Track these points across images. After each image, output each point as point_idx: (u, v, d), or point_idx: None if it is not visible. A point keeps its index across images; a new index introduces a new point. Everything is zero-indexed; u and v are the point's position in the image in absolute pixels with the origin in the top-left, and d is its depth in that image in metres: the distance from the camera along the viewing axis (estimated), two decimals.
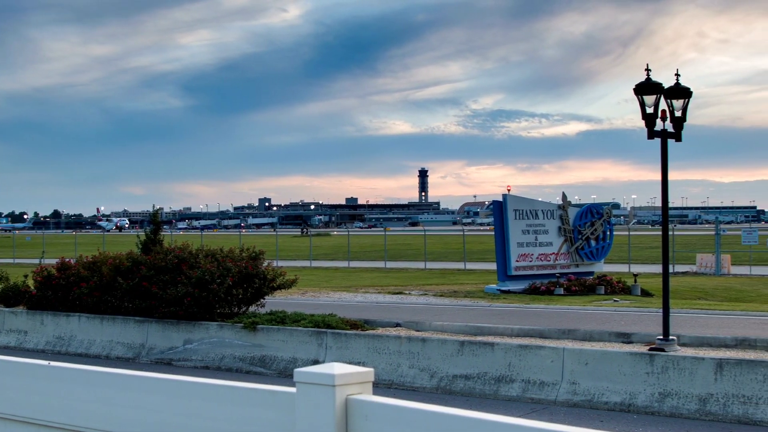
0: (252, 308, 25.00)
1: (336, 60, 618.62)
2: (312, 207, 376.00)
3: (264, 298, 25.46)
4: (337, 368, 4.77)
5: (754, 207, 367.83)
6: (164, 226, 38.31)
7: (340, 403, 4.72)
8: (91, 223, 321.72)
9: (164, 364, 23.15)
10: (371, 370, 4.93)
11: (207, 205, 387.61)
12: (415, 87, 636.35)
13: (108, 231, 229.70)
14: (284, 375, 20.61)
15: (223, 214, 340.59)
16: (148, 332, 24.15)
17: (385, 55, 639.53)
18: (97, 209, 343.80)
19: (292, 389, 5.03)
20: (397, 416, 4.42)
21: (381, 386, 19.05)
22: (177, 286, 23.65)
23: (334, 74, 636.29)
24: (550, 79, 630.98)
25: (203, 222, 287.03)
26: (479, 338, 22.57)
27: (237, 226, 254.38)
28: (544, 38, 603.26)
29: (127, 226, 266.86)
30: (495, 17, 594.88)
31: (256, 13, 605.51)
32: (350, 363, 19.48)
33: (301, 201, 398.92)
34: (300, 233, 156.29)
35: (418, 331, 25.62)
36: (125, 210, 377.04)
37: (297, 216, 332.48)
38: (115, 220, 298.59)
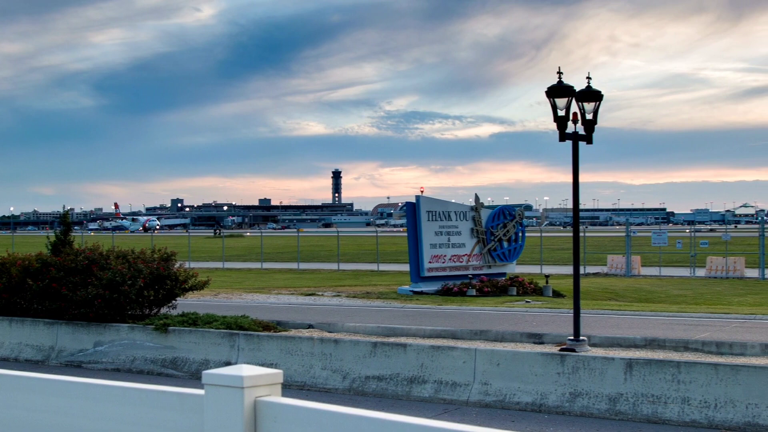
0: (164, 310, 24.73)
1: (250, 60, 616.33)
2: (225, 208, 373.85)
3: (176, 300, 25.21)
4: (246, 370, 4.73)
5: (664, 209, 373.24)
6: (75, 227, 37.78)
7: (249, 405, 4.68)
8: (101, 219, 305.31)
9: (74, 366, 22.79)
10: (280, 371, 4.89)
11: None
12: (329, 88, 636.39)
13: (133, 232, 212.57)
14: (196, 377, 20.41)
15: (135, 215, 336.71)
16: (58, 334, 23.77)
17: (299, 56, 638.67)
18: (115, 204, 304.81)
19: (201, 391, 4.99)
20: (306, 418, 4.39)
21: (293, 388, 18.98)
22: (87, 287, 23.31)
23: (248, 75, 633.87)
24: (463, 81, 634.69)
25: (115, 223, 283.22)
26: (392, 339, 22.57)
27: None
28: (458, 40, 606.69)
29: (158, 227, 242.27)
30: (409, 19, 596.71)
31: (170, 13, 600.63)
32: (263, 365, 19.40)
33: (214, 202, 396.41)
34: (213, 234, 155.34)
35: (330, 332, 25.55)
36: (35, 210, 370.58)
37: (210, 217, 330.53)
38: (143, 219, 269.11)
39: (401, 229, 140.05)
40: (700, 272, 54.09)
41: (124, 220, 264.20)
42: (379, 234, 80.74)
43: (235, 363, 19.73)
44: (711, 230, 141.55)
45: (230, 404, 4.74)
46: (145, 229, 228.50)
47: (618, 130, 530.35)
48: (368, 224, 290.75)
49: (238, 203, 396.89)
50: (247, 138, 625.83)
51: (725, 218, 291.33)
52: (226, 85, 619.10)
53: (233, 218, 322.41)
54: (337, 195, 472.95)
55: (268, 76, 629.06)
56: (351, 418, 4.23)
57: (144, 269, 23.72)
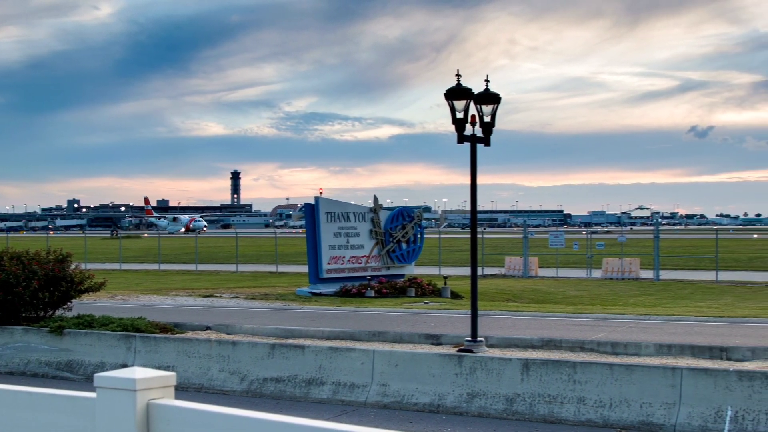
0: (59, 312, 24.34)
1: (149, 60, 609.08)
2: (122, 209, 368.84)
3: (72, 302, 24.82)
4: (139, 373, 4.66)
5: (561, 211, 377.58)
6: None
7: (142, 407, 4.62)
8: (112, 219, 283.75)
9: None
10: (173, 374, 4.83)
11: (13, 207, 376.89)
12: (229, 88, 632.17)
13: (172, 233, 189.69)
14: (92, 380, 20.11)
15: (30, 216, 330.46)
16: None
17: (198, 56, 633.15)
18: (146, 200, 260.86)
19: (94, 395, 4.90)
20: (198, 420, 4.34)
21: (191, 390, 18.81)
22: None
23: (147, 74, 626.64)
24: (363, 82, 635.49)
25: (9, 224, 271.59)
26: (290, 341, 22.51)
27: (45, 228, 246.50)
28: (358, 42, 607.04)
29: (205, 228, 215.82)
30: (310, 20, 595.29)
31: (67, 11, 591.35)
32: (160, 367, 19.19)
33: (111, 203, 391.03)
34: (110, 235, 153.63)
35: (229, 334, 25.39)
36: None
37: (107, 218, 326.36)
38: (185, 218, 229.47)
39: (300, 231, 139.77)
40: (597, 273, 54.80)
41: (161, 219, 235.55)
42: (278, 235, 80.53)
43: (132, 365, 19.49)
44: (607, 232, 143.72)
45: (122, 407, 4.67)
46: (189, 230, 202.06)
47: (517, 133, 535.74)
48: (267, 225, 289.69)
49: (136, 204, 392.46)
50: (146, 138, 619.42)
51: (621, 220, 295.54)
52: (125, 84, 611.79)
53: (131, 219, 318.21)
54: (236, 196, 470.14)
55: (167, 76, 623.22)
56: (243, 420, 4.19)
57: (39, 271, 23.32)
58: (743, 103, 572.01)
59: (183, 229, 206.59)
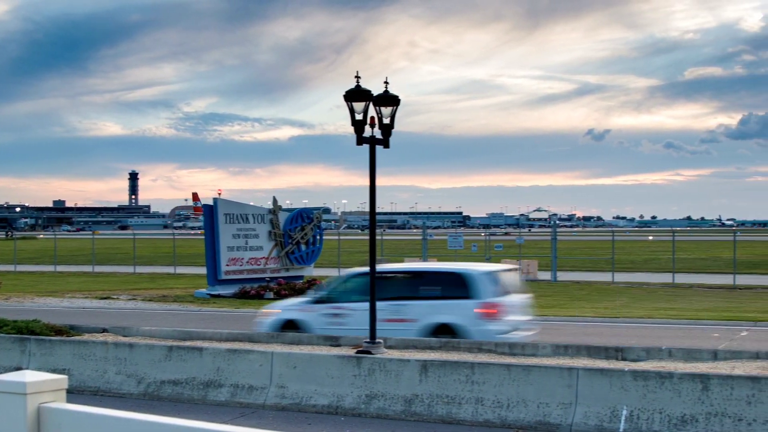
0: None
1: (45, 58, 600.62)
2: (17, 209, 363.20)
3: None
4: (29, 376, 4.57)
5: (461, 213, 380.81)
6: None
7: (32, 411, 4.52)
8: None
9: None
10: (65, 377, 4.74)
11: None
12: (127, 88, 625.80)
13: None
14: None
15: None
16: None
17: (96, 55, 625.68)
18: (194, 195, 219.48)
19: None
20: (91, 423, 4.26)
21: (87, 393, 18.55)
22: None
23: (43, 73, 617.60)
24: (264, 83, 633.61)
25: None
26: (188, 343, 22.29)
27: None
28: (258, 43, 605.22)
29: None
30: (210, 20, 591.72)
31: None
32: (55, 370, 18.88)
33: (5, 203, 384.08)
34: (4, 236, 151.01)
35: (125, 336, 25.07)
36: None
37: (1, 218, 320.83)
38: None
39: (199, 232, 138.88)
40: None
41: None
42: (176, 236, 79.92)
43: (27, 368, 19.17)
44: (506, 234, 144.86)
45: (12, 411, 4.56)
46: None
47: (416, 135, 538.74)
48: (166, 226, 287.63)
49: (32, 204, 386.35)
50: (42, 138, 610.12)
51: (519, 222, 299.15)
52: (20, 83, 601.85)
53: (26, 220, 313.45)
54: (134, 197, 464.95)
55: (65, 75, 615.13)
56: (136, 423, 4.12)
57: None
58: (640, 107, 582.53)
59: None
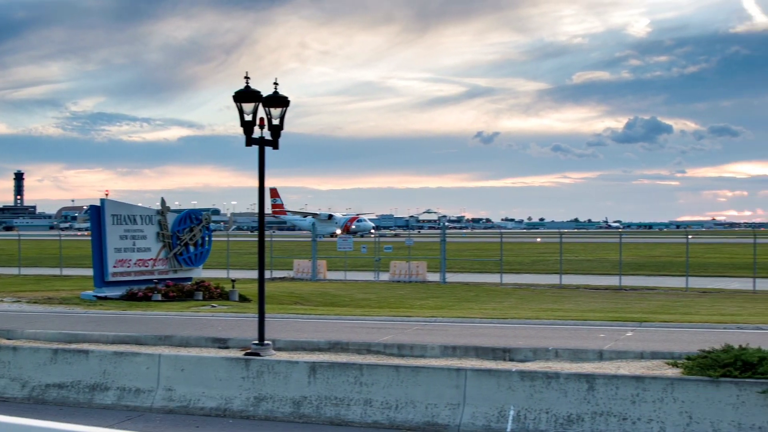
0: None
1: None
2: None
3: None
4: None
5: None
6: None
7: None
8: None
9: None
10: None
11: None
12: (13, 86, 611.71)
13: (322, 237, 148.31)
14: None
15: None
16: None
17: None
18: (273, 191, 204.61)
19: None
20: None
21: None
22: None
23: None
24: (153, 83, 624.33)
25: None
26: (74, 346, 21.96)
27: None
28: (147, 42, 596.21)
29: (373, 232, 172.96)
30: (98, 18, 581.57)
31: None
32: None
33: None
34: None
35: (9, 339, 24.63)
36: None
37: None
38: (341, 216, 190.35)
39: (86, 233, 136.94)
40: (384, 276, 55.43)
41: (306, 218, 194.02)
42: (62, 238, 78.69)
43: None
44: (395, 235, 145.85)
45: None
46: (348, 232, 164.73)
47: (307, 136, 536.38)
48: (52, 227, 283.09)
49: None
50: None
51: (409, 224, 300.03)
52: None
53: None
54: (19, 197, 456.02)
55: None
56: (18, 429, 4.04)
57: None
58: (528, 110, 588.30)
59: (339, 231, 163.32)
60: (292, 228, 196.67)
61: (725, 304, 37.58)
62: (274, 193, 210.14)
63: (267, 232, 67.12)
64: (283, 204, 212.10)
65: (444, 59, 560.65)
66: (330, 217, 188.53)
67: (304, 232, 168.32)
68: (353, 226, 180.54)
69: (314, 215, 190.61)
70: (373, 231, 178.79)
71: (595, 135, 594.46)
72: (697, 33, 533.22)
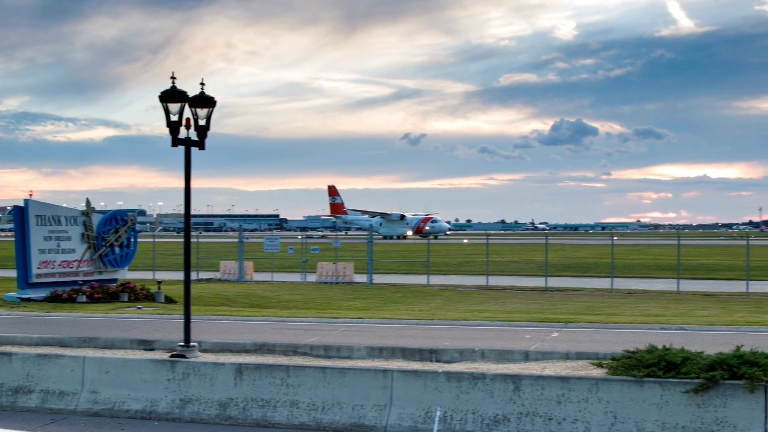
0: None
1: None
2: None
3: None
4: None
5: (277, 215, 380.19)
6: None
7: None
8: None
9: None
10: None
11: None
12: None
13: (388, 237, 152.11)
14: None
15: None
16: None
17: None
18: (330, 189, 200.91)
19: None
20: None
21: None
22: None
23: None
24: (78, 82, 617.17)
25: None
26: None
27: None
28: (73, 41, 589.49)
29: (448, 233, 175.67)
30: (22, 16, 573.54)
31: None
32: None
33: None
34: None
35: None
36: None
37: None
38: (412, 217, 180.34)
39: (9, 234, 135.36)
40: (311, 278, 55.33)
41: (374, 217, 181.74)
42: None
43: None
44: (322, 236, 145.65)
45: None
46: (420, 233, 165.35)
47: (233, 137, 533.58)
48: None
49: None
50: None
51: (336, 225, 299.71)
52: None
53: None
54: None
55: None
56: None
57: None
58: (455, 112, 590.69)
59: (410, 233, 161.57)
60: (344, 229, 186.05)
61: (650, 304, 38.02)
62: (332, 191, 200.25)
63: (193, 233, 66.76)
64: (342, 203, 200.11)
65: (372, 60, 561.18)
66: (402, 217, 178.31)
67: (231, 233, 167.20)
68: (427, 227, 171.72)
69: (383, 215, 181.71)
70: (448, 233, 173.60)
71: (521, 137, 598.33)
72: (622, 36, 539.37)
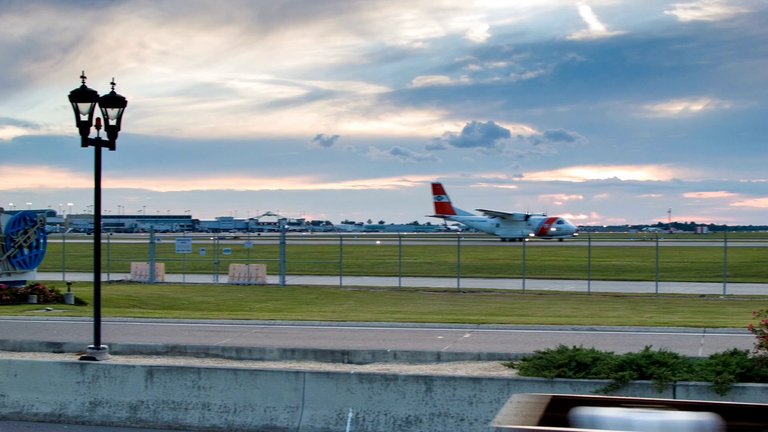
0: None
1: None
2: None
3: None
4: None
5: (189, 216, 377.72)
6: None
7: None
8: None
9: None
10: None
11: None
12: None
13: (506, 239, 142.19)
14: None
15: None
16: None
17: None
18: (435, 186, 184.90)
19: None
20: None
21: None
22: None
23: None
24: None
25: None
26: None
27: None
28: None
29: (576, 234, 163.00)
30: None
31: None
32: None
33: None
34: None
35: None
36: None
37: None
38: (538, 217, 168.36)
39: None
40: (224, 279, 55.04)
41: (486, 217, 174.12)
42: None
43: None
44: (235, 238, 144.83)
45: None
46: (545, 235, 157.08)
47: (145, 137, 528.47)
48: None
49: None
50: None
51: (249, 226, 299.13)
52: None
53: None
54: None
55: None
56: None
57: None
58: (368, 114, 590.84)
59: (533, 234, 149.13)
60: (446, 229, 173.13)
61: (561, 305, 38.42)
62: (437, 189, 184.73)
63: (104, 234, 65.98)
64: (450, 202, 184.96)
65: (285, 61, 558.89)
66: (526, 217, 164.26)
67: (142, 234, 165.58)
68: (552, 229, 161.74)
69: (504, 215, 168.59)
70: (576, 234, 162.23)
71: (434, 139, 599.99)
72: (535, 40, 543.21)
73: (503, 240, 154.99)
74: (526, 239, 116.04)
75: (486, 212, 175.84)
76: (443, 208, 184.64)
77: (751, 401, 13.94)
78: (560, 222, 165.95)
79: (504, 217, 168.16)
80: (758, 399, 13.99)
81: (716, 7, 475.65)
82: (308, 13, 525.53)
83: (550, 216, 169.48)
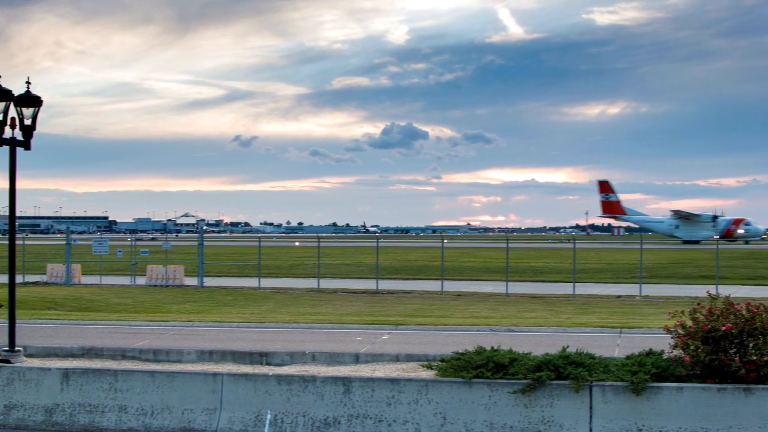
0: None
1: None
2: None
3: None
4: None
5: (106, 217, 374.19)
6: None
7: None
8: None
9: None
10: None
11: None
12: None
13: (689, 242, 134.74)
14: None
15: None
16: None
17: None
18: (602, 184, 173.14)
19: None
20: None
21: None
22: None
23: None
24: None
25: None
26: None
27: None
28: None
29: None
30: None
31: None
32: None
33: None
34: None
35: None
36: None
37: None
38: (722, 219, 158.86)
39: None
40: (141, 281, 54.61)
41: (660, 218, 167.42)
42: None
43: None
44: (153, 239, 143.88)
45: None
46: (731, 237, 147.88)
47: (61, 137, 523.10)
48: None
49: None
50: None
51: (167, 227, 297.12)
52: None
53: None
54: None
55: None
56: None
57: None
58: (287, 115, 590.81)
59: (716, 236, 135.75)
60: (607, 231, 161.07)
61: (479, 306, 38.66)
62: (605, 187, 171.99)
63: (19, 235, 65.18)
64: (619, 201, 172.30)
65: (204, 62, 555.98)
66: (715, 218, 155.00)
67: (58, 235, 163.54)
68: (740, 231, 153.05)
69: (689, 216, 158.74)
70: (765, 236, 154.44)
71: (353, 140, 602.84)
72: (454, 42, 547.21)
73: (685, 242, 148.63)
74: (704, 241, 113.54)
75: (676, 213, 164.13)
76: (611, 208, 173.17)
77: (665, 401, 14.16)
78: (747, 224, 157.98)
79: (688, 217, 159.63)
80: (673, 398, 14.19)
81: (633, 12, 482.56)
82: (228, 14, 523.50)
83: (735, 218, 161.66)
